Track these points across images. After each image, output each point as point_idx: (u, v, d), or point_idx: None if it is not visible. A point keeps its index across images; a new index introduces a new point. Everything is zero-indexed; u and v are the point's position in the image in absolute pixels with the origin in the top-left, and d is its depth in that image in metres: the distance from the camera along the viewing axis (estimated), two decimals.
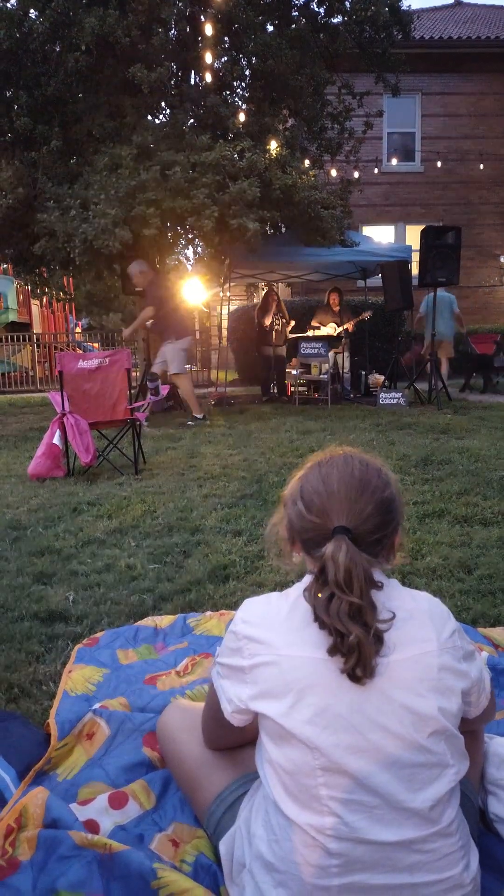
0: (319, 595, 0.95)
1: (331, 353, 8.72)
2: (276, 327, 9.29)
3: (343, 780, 0.93)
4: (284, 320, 9.37)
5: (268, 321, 9.23)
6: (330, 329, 9.14)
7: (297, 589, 1.03)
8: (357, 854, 0.92)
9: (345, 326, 9.15)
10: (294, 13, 8.89)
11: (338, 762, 0.92)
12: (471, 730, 1.16)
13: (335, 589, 0.94)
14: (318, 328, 9.19)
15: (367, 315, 9.18)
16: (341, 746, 0.92)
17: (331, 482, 1.03)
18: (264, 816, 1.00)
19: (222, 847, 1.12)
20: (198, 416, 7.18)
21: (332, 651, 0.93)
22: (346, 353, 9.47)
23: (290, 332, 9.47)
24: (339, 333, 9.11)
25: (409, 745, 0.93)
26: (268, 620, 1.01)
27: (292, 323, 9.45)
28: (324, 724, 0.93)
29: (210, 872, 1.17)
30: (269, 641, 0.99)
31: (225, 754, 1.24)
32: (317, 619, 0.95)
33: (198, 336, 15.31)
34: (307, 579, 1.03)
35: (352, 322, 9.15)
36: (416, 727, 0.93)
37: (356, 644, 0.91)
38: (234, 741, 1.21)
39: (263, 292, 9.79)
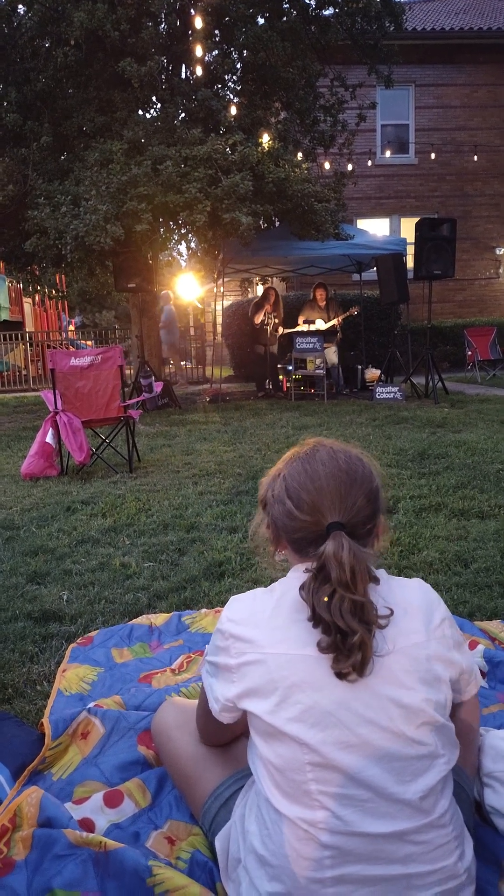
0: (320, 594, 0.94)
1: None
2: (269, 326, 9.26)
3: (333, 775, 0.92)
4: (277, 321, 9.32)
5: (258, 320, 9.19)
6: (319, 324, 9.12)
7: (283, 584, 1.02)
8: (350, 846, 0.91)
9: (332, 323, 9.12)
10: (285, 5, 8.84)
11: (327, 758, 0.92)
12: (462, 719, 1.16)
13: (338, 587, 0.92)
14: (311, 323, 9.16)
15: (354, 311, 9.15)
16: (330, 742, 0.92)
17: (318, 477, 1.01)
18: (257, 812, 1.00)
19: (218, 843, 1.12)
20: None
21: (330, 649, 0.92)
22: (335, 348, 9.44)
23: (281, 329, 9.44)
24: (331, 328, 9.08)
25: (398, 739, 0.92)
26: (254, 618, 1.00)
27: (280, 329, 9.40)
28: (312, 721, 0.93)
29: (206, 869, 1.16)
30: (255, 640, 0.98)
31: (220, 750, 1.24)
32: (314, 617, 0.94)
33: (192, 332, 15.26)
34: (293, 574, 1.02)
35: (339, 318, 9.13)
36: (404, 720, 0.93)
37: (359, 643, 0.90)
38: (229, 736, 1.21)
39: (263, 289, 9.71)
